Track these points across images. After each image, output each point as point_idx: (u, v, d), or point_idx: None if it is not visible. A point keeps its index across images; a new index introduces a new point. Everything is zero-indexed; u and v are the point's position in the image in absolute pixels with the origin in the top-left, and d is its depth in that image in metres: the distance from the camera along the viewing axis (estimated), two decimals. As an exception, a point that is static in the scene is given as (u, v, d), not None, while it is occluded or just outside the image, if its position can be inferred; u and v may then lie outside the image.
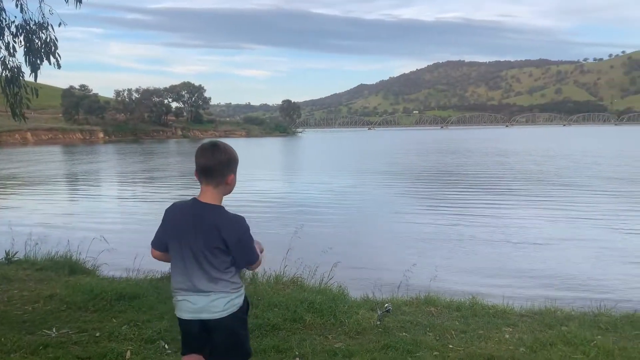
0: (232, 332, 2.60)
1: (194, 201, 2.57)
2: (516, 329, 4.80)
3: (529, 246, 11.87)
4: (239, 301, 2.59)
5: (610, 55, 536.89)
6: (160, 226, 2.65)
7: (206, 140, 2.68)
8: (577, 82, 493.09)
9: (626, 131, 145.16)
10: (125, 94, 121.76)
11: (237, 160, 2.61)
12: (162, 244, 2.64)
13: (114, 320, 4.81)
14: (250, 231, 2.57)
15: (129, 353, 4.02)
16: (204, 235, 2.49)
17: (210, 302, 2.53)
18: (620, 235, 13.08)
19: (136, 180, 30.10)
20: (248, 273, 6.83)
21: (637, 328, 4.83)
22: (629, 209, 16.68)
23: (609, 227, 13.99)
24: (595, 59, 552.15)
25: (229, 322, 2.56)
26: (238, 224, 2.53)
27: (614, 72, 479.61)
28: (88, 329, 4.59)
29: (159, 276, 6.61)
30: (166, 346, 4.21)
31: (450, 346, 4.28)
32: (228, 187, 2.59)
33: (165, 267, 6.95)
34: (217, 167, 2.53)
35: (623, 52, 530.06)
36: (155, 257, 2.71)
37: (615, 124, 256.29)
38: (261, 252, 2.69)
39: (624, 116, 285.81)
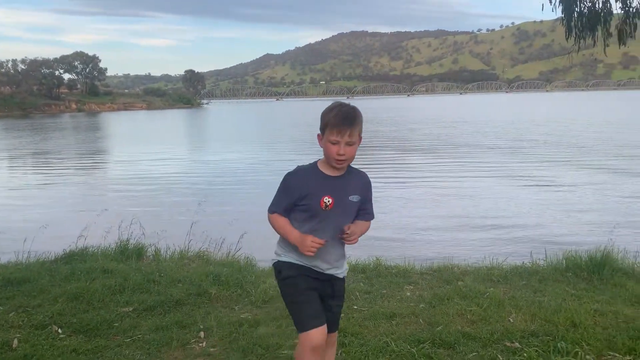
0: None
1: None
2: (417, 287, 5.00)
3: (434, 207, 12.45)
4: (275, 263, 2.79)
5: (501, 26, 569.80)
6: None
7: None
8: (472, 52, 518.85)
9: (516, 99, 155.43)
10: (9, 65, 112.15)
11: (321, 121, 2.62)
12: None
13: (0, 308, 4.43)
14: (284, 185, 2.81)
15: (16, 341, 3.71)
16: None
17: None
18: (518, 189, 14.13)
19: (26, 159, 27.95)
20: (150, 249, 6.57)
21: (524, 278, 5.20)
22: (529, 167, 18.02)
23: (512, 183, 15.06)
24: (488, 30, 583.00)
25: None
26: None
27: (505, 42, 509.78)
28: (-31, 319, 4.19)
29: (52, 258, 6.17)
30: (59, 330, 3.93)
31: (355, 307, 4.38)
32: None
33: (58, 248, 6.53)
34: None
35: (512, 23, 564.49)
36: None
37: (506, 92, 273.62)
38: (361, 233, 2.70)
39: (513, 84, 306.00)
